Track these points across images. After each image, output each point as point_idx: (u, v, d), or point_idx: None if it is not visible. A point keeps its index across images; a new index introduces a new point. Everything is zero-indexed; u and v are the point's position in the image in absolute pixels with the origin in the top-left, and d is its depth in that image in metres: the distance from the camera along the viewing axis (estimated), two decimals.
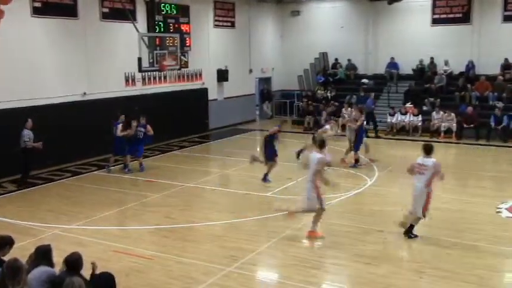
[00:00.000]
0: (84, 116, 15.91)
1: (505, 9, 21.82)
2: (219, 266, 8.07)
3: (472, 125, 19.49)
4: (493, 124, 19.24)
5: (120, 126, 14.29)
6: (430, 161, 8.98)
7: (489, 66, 21.74)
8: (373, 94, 22.02)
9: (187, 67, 20.41)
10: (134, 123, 14.40)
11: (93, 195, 12.41)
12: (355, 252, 8.64)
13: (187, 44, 20.34)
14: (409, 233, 9.16)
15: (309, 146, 11.99)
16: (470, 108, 19.84)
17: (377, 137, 19.88)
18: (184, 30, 20.13)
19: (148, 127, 14.63)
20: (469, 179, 13.78)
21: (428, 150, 9.10)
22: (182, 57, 19.07)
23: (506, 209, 10.80)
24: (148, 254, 8.62)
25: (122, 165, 14.74)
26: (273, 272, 8.28)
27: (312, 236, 9.32)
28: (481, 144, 18.71)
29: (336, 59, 25.54)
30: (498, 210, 10.73)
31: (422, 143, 9.84)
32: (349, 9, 25.34)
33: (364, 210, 11.11)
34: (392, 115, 21.07)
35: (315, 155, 9.22)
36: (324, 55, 25.86)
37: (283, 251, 8.80)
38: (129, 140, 14.43)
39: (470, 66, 22.34)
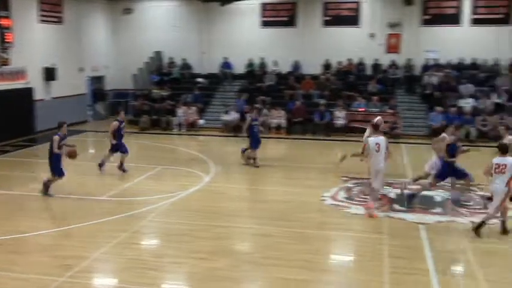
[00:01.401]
0: None
1: (324, 15, 23.86)
2: (52, 277, 7.61)
3: (300, 119, 21.00)
4: (317, 119, 20.93)
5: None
6: (509, 159, 9.11)
7: (313, 66, 23.57)
8: (245, 95, 22.45)
9: (9, 65, 18.79)
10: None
11: None
12: (193, 249, 8.78)
13: (8, 40, 18.72)
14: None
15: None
16: (297, 103, 21.39)
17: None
18: (3, 25, 18.49)
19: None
20: (298, 171, 14.76)
21: (504, 150, 9.25)
22: (2, 54, 17.51)
23: (330, 197, 11.83)
24: None
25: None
26: (111, 277, 8.05)
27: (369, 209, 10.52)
28: (307, 139, 20.24)
29: (171, 58, 25.55)
30: (322, 198, 11.72)
31: (498, 142, 9.94)
32: (183, 9, 25.51)
33: (201, 208, 11.30)
34: (227, 113, 21.72)
35: (380, 138, 10.62)
36: (158, 54, 25.71)
37: (120, 254, 8.59)
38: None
39: (297, 66, 24.02)
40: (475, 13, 22.44)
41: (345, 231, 9.82)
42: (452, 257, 8.72)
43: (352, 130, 19.98)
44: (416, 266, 8.12)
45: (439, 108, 20.13)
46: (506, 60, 21.95)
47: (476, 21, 22.43)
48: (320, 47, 23.63)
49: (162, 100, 23.14)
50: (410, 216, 10.45)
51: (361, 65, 23.46)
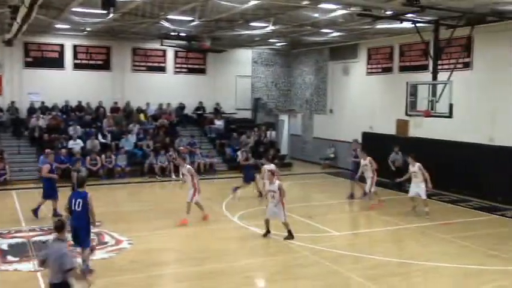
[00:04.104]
0: None
1: None
2: None
3: None
4: None
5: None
6: (272, 166, 14.66)
7: None
8: None
9: None
10: None
11: None
12: None
13: None
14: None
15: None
16: None
17: None
18: None
19: None
20: None
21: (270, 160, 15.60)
22: None
23: None
24: None
25: None
26: None
27: None
28: None
29: None
30: None
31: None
32: None
33: None
34: None
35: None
36: None
37: None
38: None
39: None
40: (76, 58, 23.49)
41: None
42: None
43: None
44: None
45: (48, 151, 20.03)
46: (109, 103, 23.76)
47: (78, 66, 23.52)
48: None
49: None
50: (27, 266, 10.07)
51: None
